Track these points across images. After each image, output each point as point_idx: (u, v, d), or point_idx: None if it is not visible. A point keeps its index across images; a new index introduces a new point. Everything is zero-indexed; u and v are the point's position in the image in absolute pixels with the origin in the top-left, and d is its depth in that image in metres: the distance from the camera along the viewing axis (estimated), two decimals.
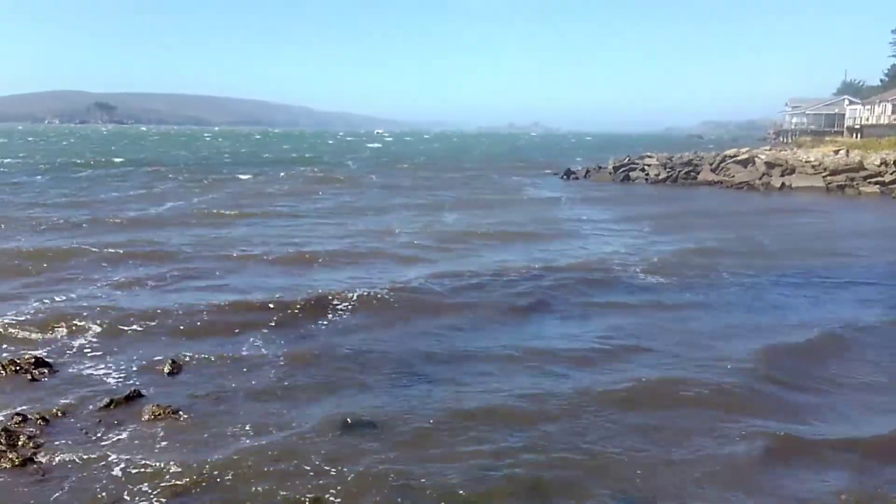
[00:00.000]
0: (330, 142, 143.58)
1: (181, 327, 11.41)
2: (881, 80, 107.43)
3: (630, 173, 47.24)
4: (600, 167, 51.29)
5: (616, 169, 48.35)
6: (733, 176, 44.46)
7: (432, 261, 17.56)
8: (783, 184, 42.01)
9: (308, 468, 6.81)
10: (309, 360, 9.94)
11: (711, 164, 46.51)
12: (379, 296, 13.35)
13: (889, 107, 70.99)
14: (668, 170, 46.76)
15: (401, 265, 16.92)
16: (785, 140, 79.93)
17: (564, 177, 49.61)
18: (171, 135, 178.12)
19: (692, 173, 45.92)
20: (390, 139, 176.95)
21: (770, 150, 52.97)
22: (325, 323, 11.92)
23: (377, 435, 7.56)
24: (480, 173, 53.37)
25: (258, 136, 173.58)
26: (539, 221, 25.98)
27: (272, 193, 34.91)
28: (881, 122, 69.47)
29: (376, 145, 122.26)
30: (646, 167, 47.75)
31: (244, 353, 10.28)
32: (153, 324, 11.46)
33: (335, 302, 12.91)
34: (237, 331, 11.35)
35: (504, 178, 48.81)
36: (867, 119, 74.14)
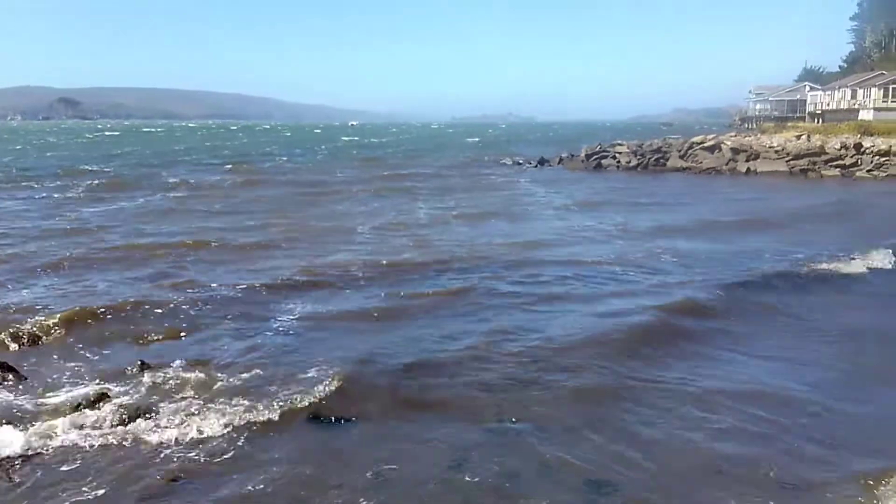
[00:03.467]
0: (288, 134, 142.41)
1: None
2: (840, 67, 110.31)
3: (602, 161, 48.76)
4: (573, 155, 52.78)
5: (588, 157, 49.83)
6: (701, 162, 46.19)
7: (425, 245, 18.80)
8: (748, 169, 43.82)
9: None
10: None
11: (680, 151, 48.20)
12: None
13: (848, 92, 73.38)
14: (638, 157, 48.37)
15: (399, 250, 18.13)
16: (750, 126, 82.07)
17: (538, 165, 50.95)
18: (123, 130, 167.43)
19: (661, 160, 47.56)
20: (356, 137, 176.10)
21: (735, 136, 54.83)
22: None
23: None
24: (452, 163, 54.02)
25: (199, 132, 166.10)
26: (511, 210, 26.86)
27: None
28: (841, 107, 71.85)
29: (348, 138, 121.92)
30: (617, 154, 49.33)
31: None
32: None
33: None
34: None
35: (477, 168, 49.71)
36: (827, 104, 76.52)
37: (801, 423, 7.99)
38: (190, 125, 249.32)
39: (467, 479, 6.77)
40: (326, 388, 8.73)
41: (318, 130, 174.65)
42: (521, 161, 53.52)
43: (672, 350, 10.54)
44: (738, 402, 8.52)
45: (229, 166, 47.62)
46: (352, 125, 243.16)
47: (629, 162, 47.80)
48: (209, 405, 8.34)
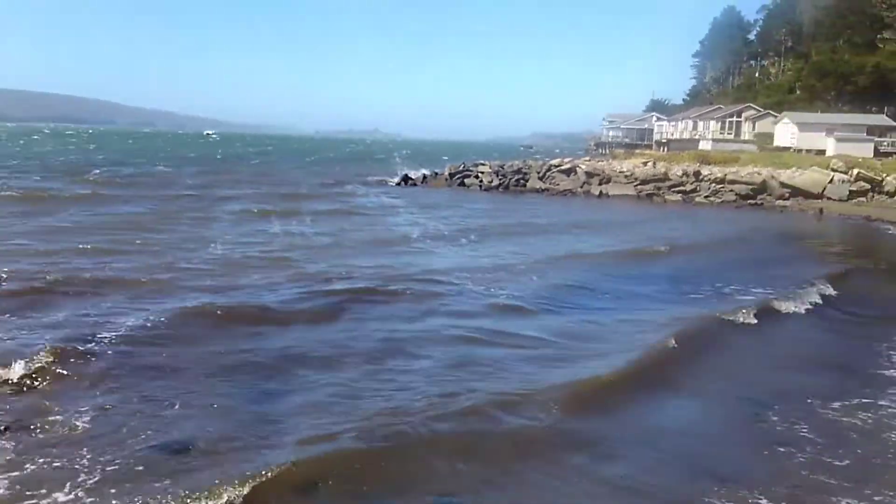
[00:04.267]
0: (130, 141, 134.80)
1: None
2: (683, 99, 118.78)
3: (465, 180, 49.60)
4: (437, 173, 53.40)
5: (452, 176, 50.57)
6: (558, 184, 48.05)
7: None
8: (601, 191, 46.03)
9: None
10: None
11: (539, 173, 49.94)
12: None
13: (690, 123, 79.14)
14: (500, 177, 49.62)
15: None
16: (603, 151, 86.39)
17: (402, 183, 50.99)
18: None
19: (522, 181, 49.03)
20: (218, 139, 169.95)
21: (590, 160, 57.54)
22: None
23: None
24: (312, 180, 51.81)
25: None
26: (376, 234, 25.01)
27: None
28: (684, 136, 77.28)
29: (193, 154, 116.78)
30: (479, 174, 50.38)
31: None
32: None
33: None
34: None
35: (339, 187, 47.29)
36: (672, 134, 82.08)
37: None
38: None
39: None
40: None
41: (146, 131, 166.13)
42: (385, 179, 53.25)
43: None
44: None
45: None
46: (208, 134, 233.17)
47: (491, 182, 48.90)
48: None
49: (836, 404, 9.94)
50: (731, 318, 13.91)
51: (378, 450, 7.68)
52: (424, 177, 52.91)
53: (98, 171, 48.58)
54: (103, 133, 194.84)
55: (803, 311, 15.29)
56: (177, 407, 8.71)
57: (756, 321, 13.97)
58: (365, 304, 14.15)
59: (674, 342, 11.79)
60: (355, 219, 29.42)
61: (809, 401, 10.09)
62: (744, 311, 14.27)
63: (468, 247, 22.77)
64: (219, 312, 12.72)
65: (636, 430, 8.98)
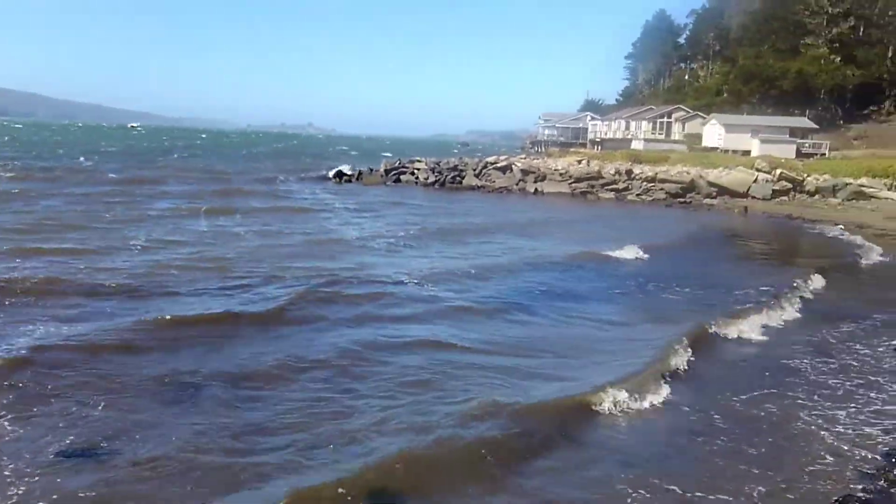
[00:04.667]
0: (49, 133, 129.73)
1: None
2: (617, 100, 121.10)
3: (401, 177, 49.27)
4: (372, 170, 52.88)
5: (387, 172, 50.16)
6: (494, 181, 48.16)
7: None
8: (536, 189, 46.33)
9: None
10: None
11: (475, 170, 49.96)
12: None
13: (623, 123, 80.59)
14: (436, 174, 49.46)
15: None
16: (539, 150, 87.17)
17: (336, 179, 50.28)
18: None
19: (458, 178, 48.96)
20: (142, 132, 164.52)
21: (525, 158, 57.87)
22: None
23: None
24: (245, 175, 50.58)
25: None
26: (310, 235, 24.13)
27: None
28: (617, 136, 78.62)
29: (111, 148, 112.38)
30: (416, 171, 50.13)
31: None
32: None
33: None
34: None
35: (274, 184, 46.16)
36: (605, 133, 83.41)
37: None
38: None
39: None
40: None
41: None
42: (320, 175, 52.43)
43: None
44: None
45: None
46: (132, 127, 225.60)
47: (427, 179, 48.70)
48: None
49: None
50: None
51: None
52: (360, 173, 52.29)
53: (12, 164, 46.14)
54: (23, 125, 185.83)
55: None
56: (92, 431, 7.99)
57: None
58: (306, 310, 13.46)
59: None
60: (288, 217, 28.48)
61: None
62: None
63: (408, 249, 22.09)
64: (146, 321, 11.92)
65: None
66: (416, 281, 16.54)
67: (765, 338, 13.41)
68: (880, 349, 12.67)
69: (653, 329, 13.47)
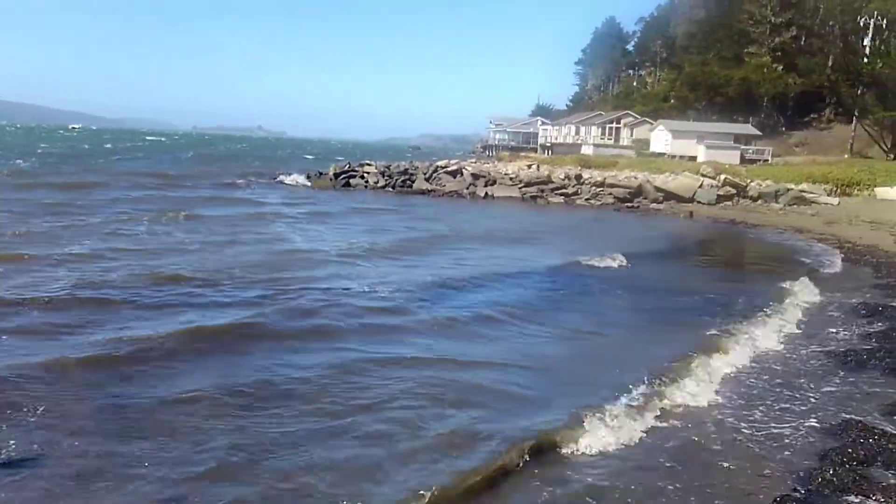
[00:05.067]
0: None
1: None
2: (567, 105, 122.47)
3: (350, 180, 48.63)
4: (321, 173, 52.15)
5: (337, 176, 49.45)
6: (444, 185, 47.89)
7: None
8: (487, 193, 46.23)
9: None
10: None
11: (425, 174, 49.63)
12: None
13: (573, 128, 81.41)
14: (386, 178, 48.97)
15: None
16: (490, 154, 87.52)
17: (285, 182, 49.48)
18: None
19: (408, 182, 48.55)
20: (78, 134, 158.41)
21: (476, 162, 57.87)
22: None
23: None
24: (190, 178, 48.44)
25: None
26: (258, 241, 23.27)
27: None
28: (567, 141, 79.38)
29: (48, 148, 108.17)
30: (365, 175, 49.56)
31: None
32: None
33: None
34: None
35: (216, 186, 44.14)
36: (556, 138, 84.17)
37: None
38: None
39: None
40: None
41: None
42: (268, 178, 51.51)
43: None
44: None
45: None
46: (73, 128, 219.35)
47: (377, 182, 48.19)
48: None
49: None
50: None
51: None
52: (308, 176, 51.52)
53: None
54: None
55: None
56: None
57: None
58: (257, 331, 12.20)
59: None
60: (238, 223, 26.75)
61: None
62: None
63: (371, 258, 20.53)
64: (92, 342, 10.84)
65: None
66: (387, 292, 15.58)
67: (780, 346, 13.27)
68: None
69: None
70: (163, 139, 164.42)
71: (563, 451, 8.31)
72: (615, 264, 21.14)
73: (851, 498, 7.25)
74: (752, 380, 11.16)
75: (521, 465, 7.83)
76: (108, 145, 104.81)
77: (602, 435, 8.60)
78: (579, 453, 8.30)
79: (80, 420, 8.29)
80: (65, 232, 21.60)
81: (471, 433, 8.50)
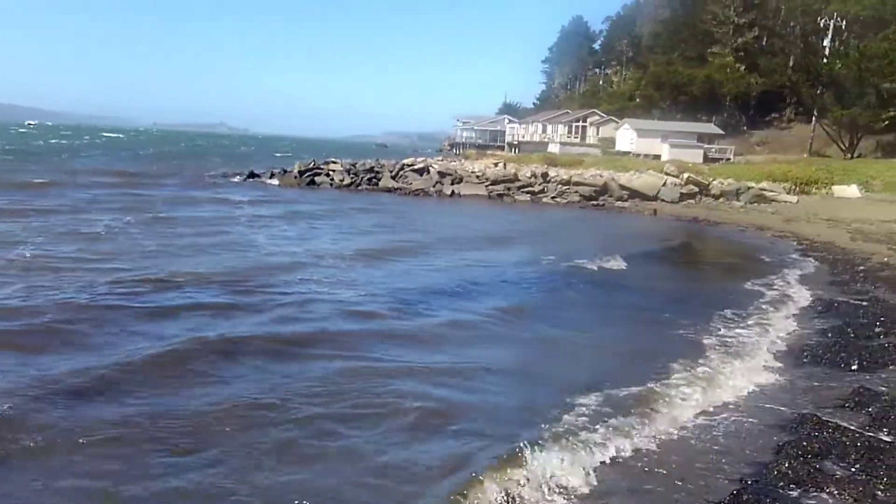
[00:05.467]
0: None
1: None
2: (534, 103, 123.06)
3: (315, 178, 48.19)
4: (286, 171, 51.64)
5: (302, 174, 48.98)
6: (411, 183, 47.72)
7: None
8: (453, 191, 46.17)
9: None
10: None
11: (392, 172, 49.44)
12: None
13: (540, 126, 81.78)
14: (352, 176, 48.65)
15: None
16: (457, 152, 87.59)
17: (249, 179, 48.88)
18: None
19: (374, 179, 48.31)
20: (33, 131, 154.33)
21: (443, 160, 57.80)
22: None
23: None
24: (150, 177, 47.20)
25: None
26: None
27: None
28: (534, 139, 79.74)
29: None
30: (331, 172, 49.19)
31: None
32: None
33: None
34: None
35: (175, 185, 42.99)
36: (523, 136, 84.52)
37: None
38: None
39: None
40: None
41: None
42: (230, 176, 50.72)
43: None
44: None
45: None
46: (28, 125, 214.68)
47: (342, 180, 47.83)
48: None
49: None
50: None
51: None
52: (272, 174, 50.97)
53: None
54: None
55: None
56: None
57: None
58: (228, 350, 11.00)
59: None
60: (201, 225, 25.55)
61: None
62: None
63: (334, 262, 19.50)
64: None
65: None
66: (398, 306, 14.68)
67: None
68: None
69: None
70: (121, 136, 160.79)
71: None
72: (610, 266, 20.97)
73: (806, 490, 7.31)
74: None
75: None
76: (64, 142, 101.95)
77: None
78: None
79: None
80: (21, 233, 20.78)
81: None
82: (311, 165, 50.88)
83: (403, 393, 9.59)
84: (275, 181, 48.69)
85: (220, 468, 7.32)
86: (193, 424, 8.25)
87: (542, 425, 8.55)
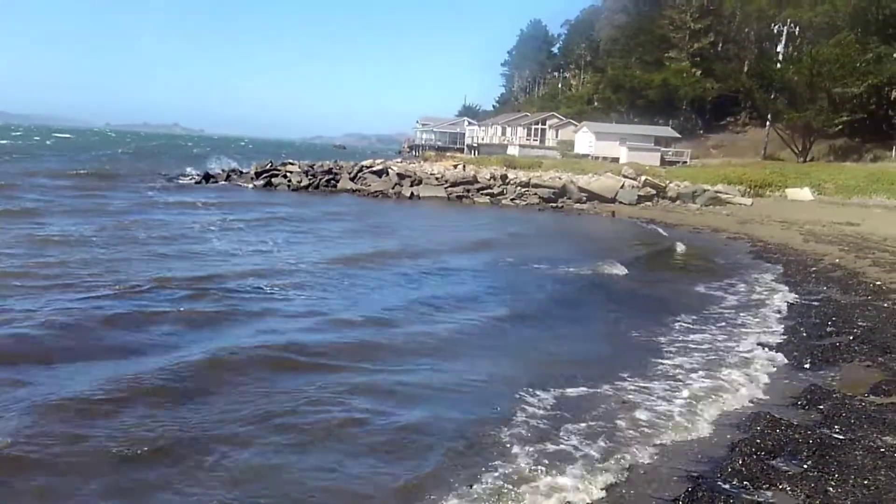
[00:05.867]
0: None
1: None
2: (494, 106, 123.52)
3: (273, 179, 47.46)
4: (242, 172, 50.84)
5: (258, 174, 48.23)
6: (370, 185, 47.33)
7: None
8: (412, 193, 45.92)
9: None
10: None
11: (350, 174, 48.98)
12: None
13: (499, 129, 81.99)
14: (309, 177, 48.02)
15: None
16: (417, 154, 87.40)
17: (203, 181, 47.81)
18: None
19: (333, 181, 47.79)
20: None
21: (402, 162, 57.53)
22: None
23: None
24: (101, 180, 44.96)
25: None
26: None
27: None
28: (493, 141, 79.90)
29: None
30: (288, 174, 48.51)
31: None
32: None
33: None
34: None
35: (124, 188, 41.03)
36: (482, 138, 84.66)
37: None
38: None
39: None
40: None
41: None
42: (183, 177, 49.47)
43: None
44: None
45: None
46: None
47: (300, 182, 47.19)
48: None
49: None
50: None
51: None
52: (228, 175, 50.09)
53: None
54: None
55: None
56: None
57: None
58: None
59: None
60: (157, 229, 24.24)
61: None
62: None
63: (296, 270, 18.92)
64: None
65: None
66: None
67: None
68: None
69: None
70: (70, 136, 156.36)
71: None
72: (621, 272, 20.77)
73: (760, 487, 7.28)
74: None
75: None
76: (7, 143, 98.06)
77: None
78: None
79: None
80: None
81: None
82: (269, 167, 50.15)
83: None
84: (230, 182, 47.81)
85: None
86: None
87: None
